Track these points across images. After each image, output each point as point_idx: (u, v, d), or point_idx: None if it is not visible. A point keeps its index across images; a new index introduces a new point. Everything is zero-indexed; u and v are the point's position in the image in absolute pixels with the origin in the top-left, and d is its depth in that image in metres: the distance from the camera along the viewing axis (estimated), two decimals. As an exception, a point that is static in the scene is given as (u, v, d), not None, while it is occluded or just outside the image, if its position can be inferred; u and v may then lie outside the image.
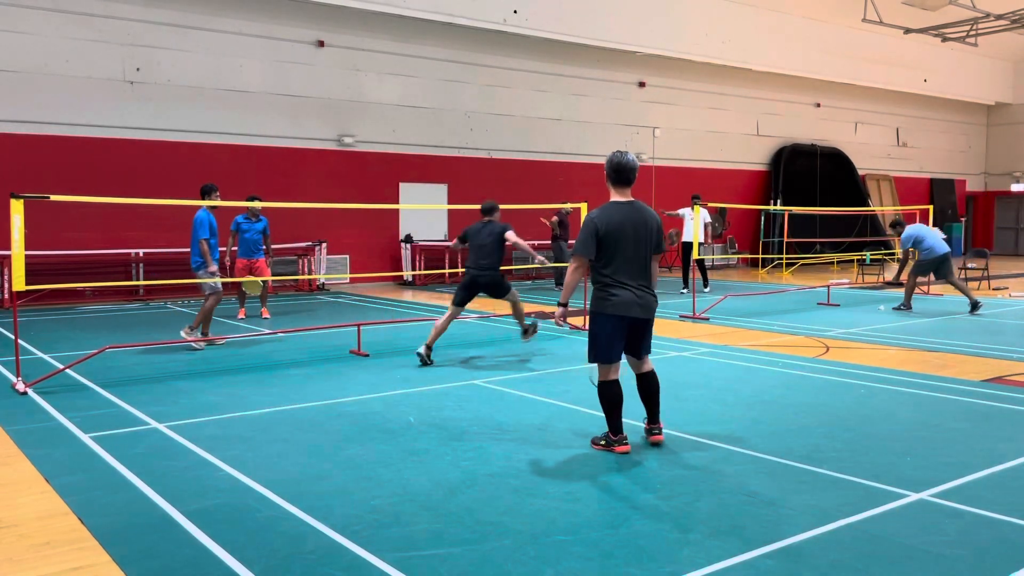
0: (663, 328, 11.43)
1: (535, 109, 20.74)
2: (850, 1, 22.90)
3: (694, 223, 13.89)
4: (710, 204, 14.61)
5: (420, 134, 18.93)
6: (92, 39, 15.05)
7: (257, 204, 11.58)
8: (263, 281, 11.95)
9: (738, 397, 7.13)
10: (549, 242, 17.51)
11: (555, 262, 16.80)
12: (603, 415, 5.59)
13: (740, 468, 5.18)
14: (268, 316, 12.33)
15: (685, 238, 16.32)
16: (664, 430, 5.87)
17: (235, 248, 11.99)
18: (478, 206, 9.44)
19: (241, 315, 12.31)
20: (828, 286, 15.49)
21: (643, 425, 5.81)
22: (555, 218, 17.54)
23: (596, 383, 5.58)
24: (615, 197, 5.54)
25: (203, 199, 9.84)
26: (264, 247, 11.95)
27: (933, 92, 28.28)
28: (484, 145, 19.97)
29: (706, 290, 16.15)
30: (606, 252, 5.40)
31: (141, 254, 15.36)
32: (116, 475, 5.04)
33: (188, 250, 13.15)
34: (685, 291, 15.91)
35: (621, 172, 5.49)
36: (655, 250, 5.53)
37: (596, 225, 5.37)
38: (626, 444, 5.50)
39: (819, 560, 3.80)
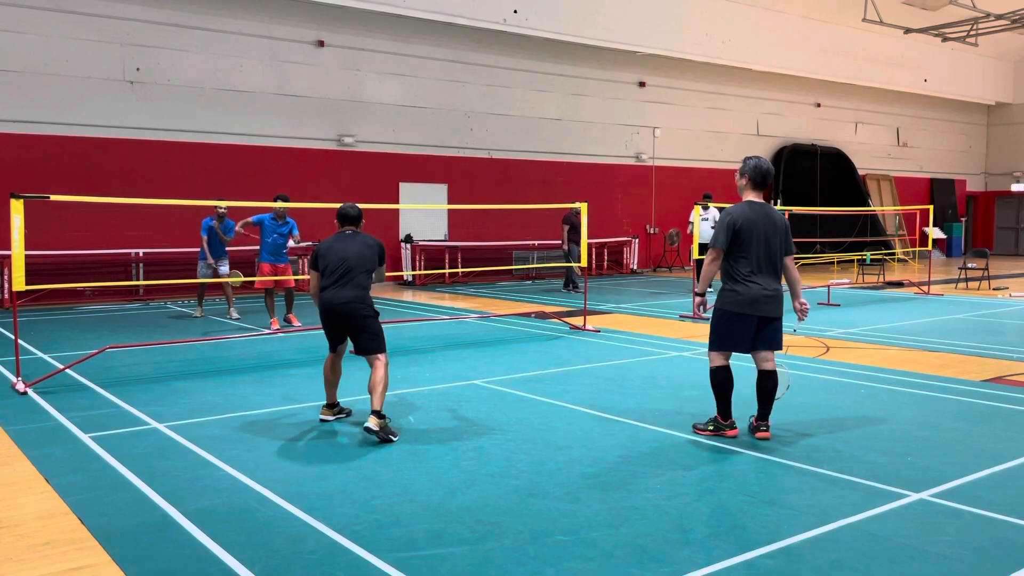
0: (664, 328, 11.44)
1: (535, 109, 20.74)
2: (850, 1, 22.89)
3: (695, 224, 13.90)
4: (710, 204, 14.60)
5: (420, 134, 18.92)
6: (92, 39, 15.04)
7: (280, 204, 10.92)
8: (292, 289, 11.45)
9: (738, 397, 7.11)
10: (559, 243, 17.31)
11: (566, 262, 16.62)
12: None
13: (740, 468, 5.18)
14: (298, 323, 11.26)
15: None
16: (664, 431, 5.97)
17: (254, 235, 11.26)
18: (478, 206, 9.23)
19: (274, 324, 11.12)
20: (828, 286, 15.49)
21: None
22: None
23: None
24: (750, 197, 5.86)
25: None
26: (286, 249, 11.22)
27: (933, 92, 28.27)
28: (484, 145, 19.96)
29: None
30: (742, 247, 5.67)
31: (141, 254, 15.35)
32: (116, 475, 5.04)
33: (189, 250, 13.19)
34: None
35: (767, 176, 5.86)
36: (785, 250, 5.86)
37: (734, 220, 5.69)
38: (735, 428, 5.85)
39: (819, 560, 3.80)
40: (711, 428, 5.89)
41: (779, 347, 5.84)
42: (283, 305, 11.78)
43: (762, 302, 5.66)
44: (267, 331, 10.87)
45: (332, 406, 6.36)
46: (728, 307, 5.69)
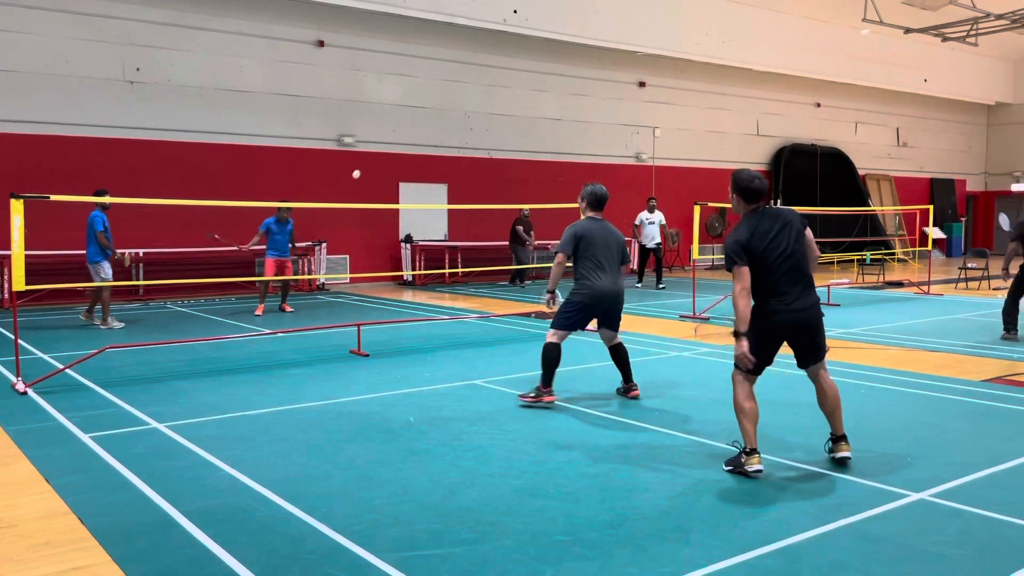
0: (663, 328, 11.43)
1: (535, 109, 20.74)
2: (850, 1, 22.89)
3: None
4: (710, 204, 14.59)
5: (420, 134, 18.92)
6: (92, 39, 15.04)
7: (284, 204, 12.66)
8: (288, 281, 13.39)
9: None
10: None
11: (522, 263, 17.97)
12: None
13: (740, 468, 5.17)
14: (291, 310, 13.27)
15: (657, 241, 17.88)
16: (664, 431, 5.96)
17: (262, 247, 12.97)
18: (478, 206, 9.26)
19: (259, 311, 12.77)
20: (828, 286, 15.48)
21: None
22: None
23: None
24: (590, 214, 7.05)
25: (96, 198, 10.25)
26: (291, 246, 12.99)
27: (933, 92, 28.27)
28: (484, 145, 19.96)
29: (660, 287, 17.48)
30: (587, 252, 6.83)
31: (141, 254, 15.35)
32: (116, 475, 5.04)
33: (189, 250, 13.56)
34: (662, 287, 17.53)
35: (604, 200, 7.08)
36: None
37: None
38: (552, 395, 6.83)
39: (819, 560, 3.80)
40: (532, 395, 6.81)
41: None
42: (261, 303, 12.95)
43: (607, 296, 6.81)
44: (258, 318, 12.35)
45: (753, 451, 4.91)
46: (578, 298, 6.83)
